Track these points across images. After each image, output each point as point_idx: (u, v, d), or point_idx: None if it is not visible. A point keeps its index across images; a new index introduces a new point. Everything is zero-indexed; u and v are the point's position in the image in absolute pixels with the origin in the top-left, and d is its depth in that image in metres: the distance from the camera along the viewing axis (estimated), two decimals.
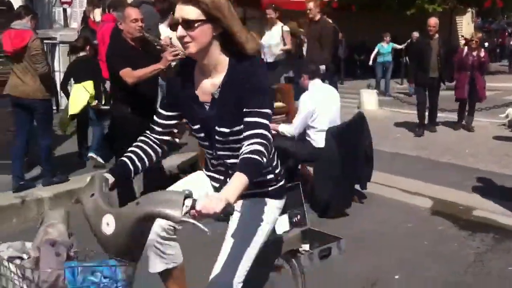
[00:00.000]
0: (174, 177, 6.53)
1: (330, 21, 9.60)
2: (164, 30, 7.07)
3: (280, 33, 9.66)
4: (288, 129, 5.88)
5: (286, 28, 9.77)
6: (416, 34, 15.28)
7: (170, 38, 7.03)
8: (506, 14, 25.93)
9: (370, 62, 16.41)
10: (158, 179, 5.43)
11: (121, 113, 5.07)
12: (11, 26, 5.93)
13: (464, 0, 19.03)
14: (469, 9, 22.42)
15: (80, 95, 6.97)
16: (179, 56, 4.76)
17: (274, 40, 9.65)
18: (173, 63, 4.84)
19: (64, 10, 13.48)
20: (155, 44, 4.95)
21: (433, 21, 9.70)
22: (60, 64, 10.12)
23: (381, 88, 15.75)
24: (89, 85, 6.94)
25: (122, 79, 4.87)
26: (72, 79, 7.29)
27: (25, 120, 6.05)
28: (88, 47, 7.20)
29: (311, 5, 9.09)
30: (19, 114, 6.05)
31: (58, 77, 10.13)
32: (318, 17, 9.23)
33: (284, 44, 9.71)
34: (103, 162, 6.79)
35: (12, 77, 6.00)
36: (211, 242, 2.65)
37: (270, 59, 9.72)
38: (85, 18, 9.79)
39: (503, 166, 7.47)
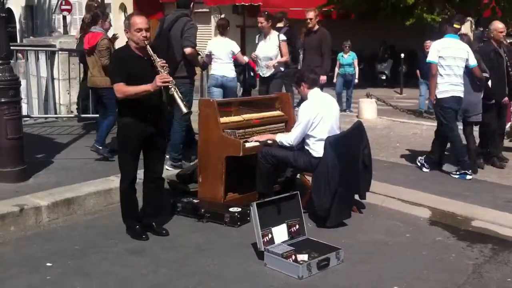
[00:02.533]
0: (173, 187, 6.54)
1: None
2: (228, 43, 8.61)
3: (277, 44, 8.82)
4: (286, 139, 5.87)
5: (282, 37, 8.97)
6: (429, 43, 12.86)
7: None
8: (505, 23, 26.02)
9: (334, 79, 13.83)
10: (158, 188, 5.43)
11: (124, 120, 5.08)
12: (91, 29, 7.72)
13: (463, 9, 19.06)
14: (469, 19, 22.47)
15: None
16: (168, 85, 4.80)
17: (272, 52, 8.82)
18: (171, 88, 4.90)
19: (64, 18, 13.53)
20: (153, 61, 4.93)
21: (501, 24, 8.10)
22: (59, 71, 10.11)
23: (343, 104, 13.44)
24: None
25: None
26: None
27: (99, 105, 7.88)
28: None
29: (311, 14, 9.00)
30: (97, 100, 7.95)
31: (58, 85, 10.15)
32: (317, 27, 9.22)
33: (282, 55, 8.87)
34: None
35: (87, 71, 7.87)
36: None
37: (267, 73, 8.91)
38: (84, 26, 9.78)
39: (502, 176, 7.46)
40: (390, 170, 7.61)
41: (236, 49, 8.69)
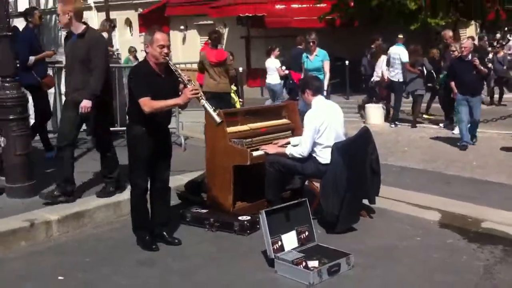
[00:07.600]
0: (181, 197, 6.55)
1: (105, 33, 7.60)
2: None
3: None
4: (297, 151, 5.84)
5: None
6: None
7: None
8: (509, 26, 25.89)
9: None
10: (166, 197, 5.45)
11: (136, 132, 5.10)
12: (212, 47, 9.43)
13: (467, 13, 19.00)
14: (473, 22, 22.42)
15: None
16: (199, 95, 4.90)
17: None
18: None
19: None
20: (178, 75, 5.03)
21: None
22: None
23: None
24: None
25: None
26: None
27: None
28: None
29: (60, 8, 5.95)
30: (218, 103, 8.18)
31: None
32: (82, 27, 5.97)
33: None
34: None
35: (210, 79, 9.25)
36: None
37: None
38: None
39: (511, 177, 7.45)
40: (398, 175, 7.61)
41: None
